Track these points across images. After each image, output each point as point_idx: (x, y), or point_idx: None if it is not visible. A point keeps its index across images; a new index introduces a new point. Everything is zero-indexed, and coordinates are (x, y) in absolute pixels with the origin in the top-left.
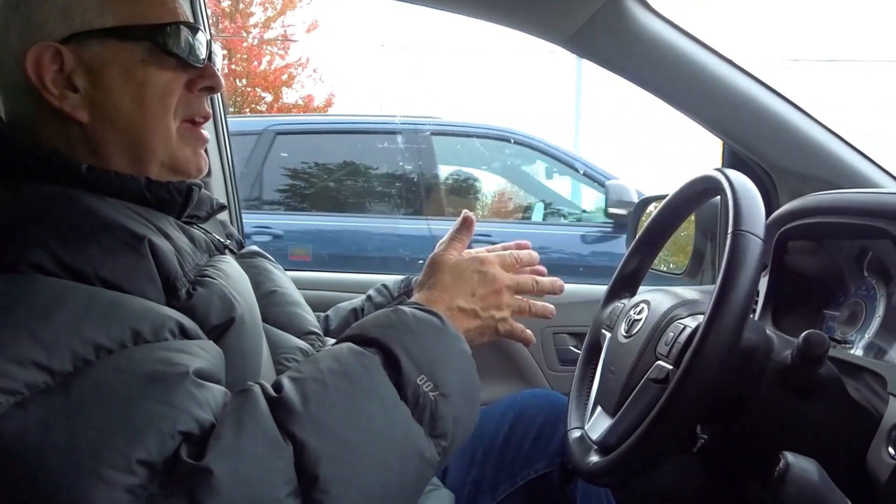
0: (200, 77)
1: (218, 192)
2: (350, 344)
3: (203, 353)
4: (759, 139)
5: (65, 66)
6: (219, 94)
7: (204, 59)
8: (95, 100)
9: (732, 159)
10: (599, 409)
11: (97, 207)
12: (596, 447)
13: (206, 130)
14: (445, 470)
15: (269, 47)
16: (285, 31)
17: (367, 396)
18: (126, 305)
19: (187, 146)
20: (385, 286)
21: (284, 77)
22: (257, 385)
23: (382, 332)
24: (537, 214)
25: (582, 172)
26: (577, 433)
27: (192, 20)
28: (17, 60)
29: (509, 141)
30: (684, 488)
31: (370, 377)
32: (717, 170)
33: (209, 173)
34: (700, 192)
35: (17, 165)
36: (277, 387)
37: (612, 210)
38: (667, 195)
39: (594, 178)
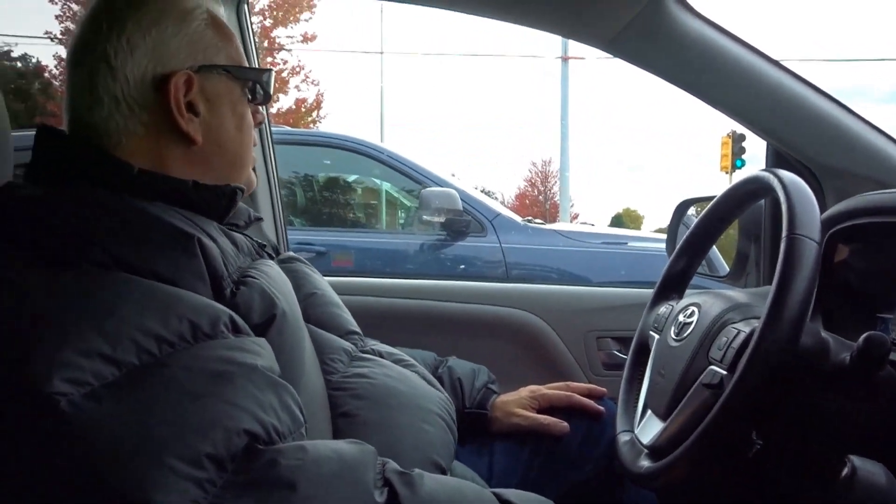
0: (257, 112)
1: (264, 204)
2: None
3: (261, 351)
4: (803, 138)
5: (190, 92)
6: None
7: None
8: (211, 125)
9: (776, 160)
10: (650, 412)
11: (148, 208)
12: (647, 451)
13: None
14: (491, 472)
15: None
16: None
17: None
18: (183, 299)
19: (252, 170)
20: (461, 382)
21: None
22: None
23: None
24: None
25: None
26: (626, 436)
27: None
28: (144, 80)
29: (343, 148)
30: (739, 496)
31: None
32: (768, 170)
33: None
34: (750, 194)
35: (70, 169)
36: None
37: (426, 218)
38: (708, 197)
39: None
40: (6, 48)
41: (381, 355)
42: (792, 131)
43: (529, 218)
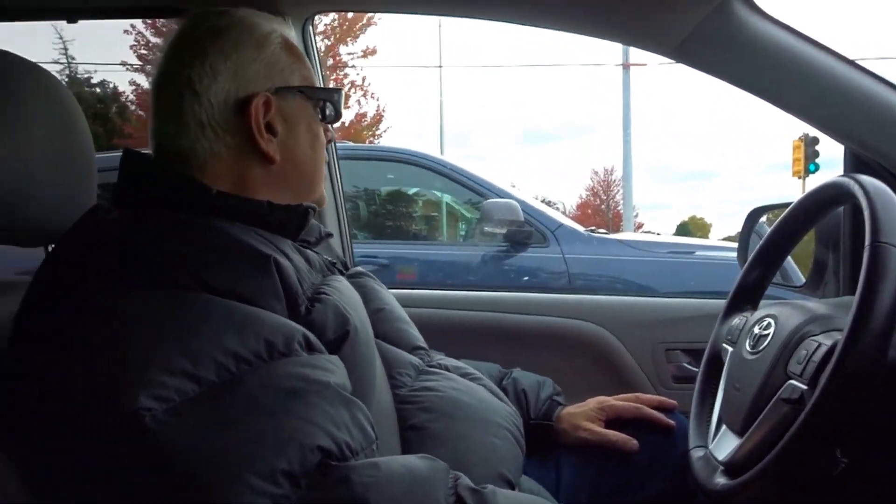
0: (327, 130)
1: (330, 219)
2: None
3: (334, 368)
4: (884, 140)
5: (269, 113)
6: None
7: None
8: (287, 144)
9: (855, 164)
10: (724, 427)
11: (227, 230)
12: (723, 467)
13: None
14: (559, 486)
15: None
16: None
17: None
18: (260, 318)
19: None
20: (525, 394)
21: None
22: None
23: None
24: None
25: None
26: (700, 452)
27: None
28: (227, 103)
29: (405, 162)
30: None
31: None
32: (848, 176)
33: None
34: (829, 200)
35: (153, 193)
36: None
37: (488, 229)
38: (782, 204)
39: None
40: (87, 75)
41: (447, 369)
42: (871, 133)
43: (592, 228)
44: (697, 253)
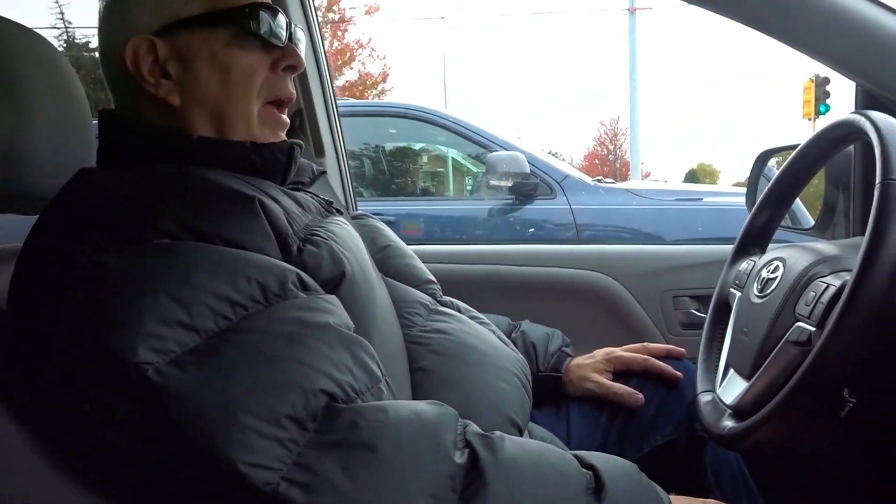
0: (283, 57)
1: (332, 172)
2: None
3: (332, 308)
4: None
5: (159, 56)
6: (328, 80)
7: (285, 40)
8: (186, 85)
9: (867, 101)
10: (732, 371)
11: (210, 177)
12: (730, 411)
13: (320, 113)
14: (569, 437)
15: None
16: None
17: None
18: (250, 261)
19: (267, 128)
20: (534, 346)
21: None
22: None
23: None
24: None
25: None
26: (707, 396)
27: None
28: (117, 55)
29: (408, 117)
30: (828, 456)
31: (570, 476)
32: (859, 113)
33: (323, 153)
34: (839, 139)
35: (130, 149)
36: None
37: (493, 183)
38: (791, 146)
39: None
40: (85, 40)
41: (458, 310)
42: (884, 69)
43: (599, 178)
44: (705, 199)
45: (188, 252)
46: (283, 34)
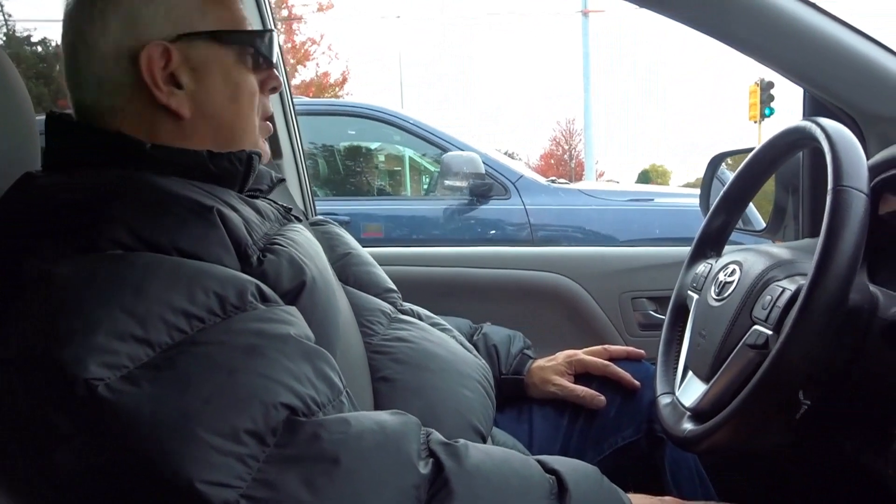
0: (269, 78)
1: (289, 172)
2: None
3: (292, 319)
4: (843, 83)
5: (171, 64)
6: (285, 80)
7: (275, 62)
8: (197, 97)
9: (814, 107)
10: (691, 373)
11: (165, 184)
12: (689, 413)
13: (277, 113)
14: (531, 439)
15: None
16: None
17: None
18: (207, 272)
19: (261, 138)
20: (496, 349)
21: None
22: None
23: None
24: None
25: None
26: (667, 399)
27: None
28: (120, 55)
29: (363, 116)
30: (783, 456)
31: (534, 481)
32: (810, 120)
33: (281, 154)
34: (790, 144)
35: (82, 153)
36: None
37: (448, 183)
38: (743, 150)
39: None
40: (26, 33)
41: (419, 317)
42: (830, 76)
43: (553, 178)
44: (656, 200)
45: (141, 263)
46: (276, 57)
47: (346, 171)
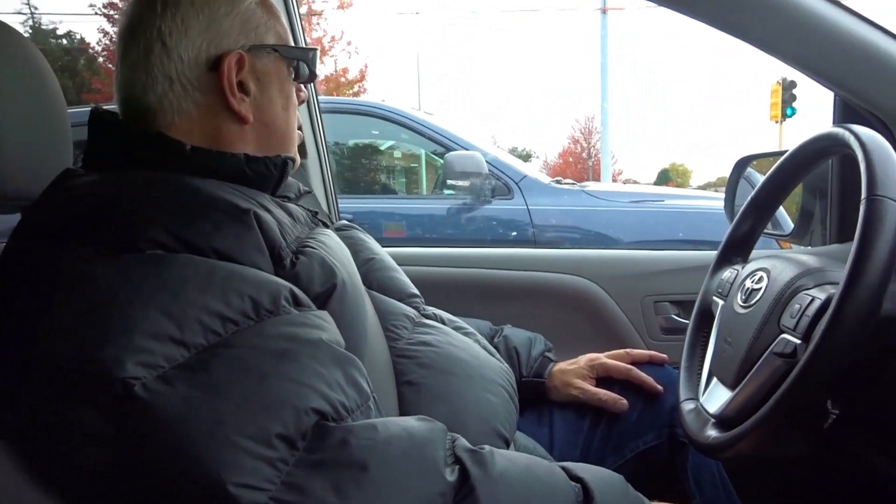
0: (299, 92)
1: (314, 176)
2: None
3: (324, 324)
4: (874, 86)
5: (242, 72)
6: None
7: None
8: (261, 104)
9: (845, 111)
10: (715, 380)
11: (202, 186)
12: (714, 420)
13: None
14: (552, 443)
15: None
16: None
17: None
18: (242, 275)
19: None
20: (517, 351)
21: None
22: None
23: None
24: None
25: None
26: (691, 405)
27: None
28: (199, 60)
29: (371, 115)
30: (807, 464)
31: (558, 489)
32: (843, 126)
33: (306, 154)
34: (822, 151)
35: (122, 153)
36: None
37: (451, 182)
38: (769, 153)
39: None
40: (52, 26)
41: (442, 321)
42: (861, 79)
43: (559, 178)
44: (667, 201)
45: (179, 265)
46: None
47: (349, 170)
